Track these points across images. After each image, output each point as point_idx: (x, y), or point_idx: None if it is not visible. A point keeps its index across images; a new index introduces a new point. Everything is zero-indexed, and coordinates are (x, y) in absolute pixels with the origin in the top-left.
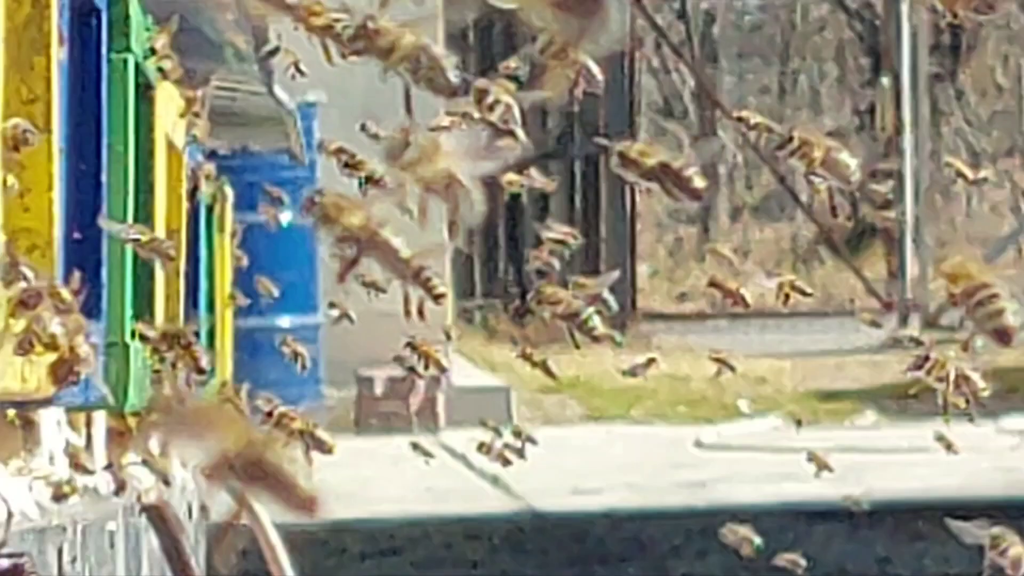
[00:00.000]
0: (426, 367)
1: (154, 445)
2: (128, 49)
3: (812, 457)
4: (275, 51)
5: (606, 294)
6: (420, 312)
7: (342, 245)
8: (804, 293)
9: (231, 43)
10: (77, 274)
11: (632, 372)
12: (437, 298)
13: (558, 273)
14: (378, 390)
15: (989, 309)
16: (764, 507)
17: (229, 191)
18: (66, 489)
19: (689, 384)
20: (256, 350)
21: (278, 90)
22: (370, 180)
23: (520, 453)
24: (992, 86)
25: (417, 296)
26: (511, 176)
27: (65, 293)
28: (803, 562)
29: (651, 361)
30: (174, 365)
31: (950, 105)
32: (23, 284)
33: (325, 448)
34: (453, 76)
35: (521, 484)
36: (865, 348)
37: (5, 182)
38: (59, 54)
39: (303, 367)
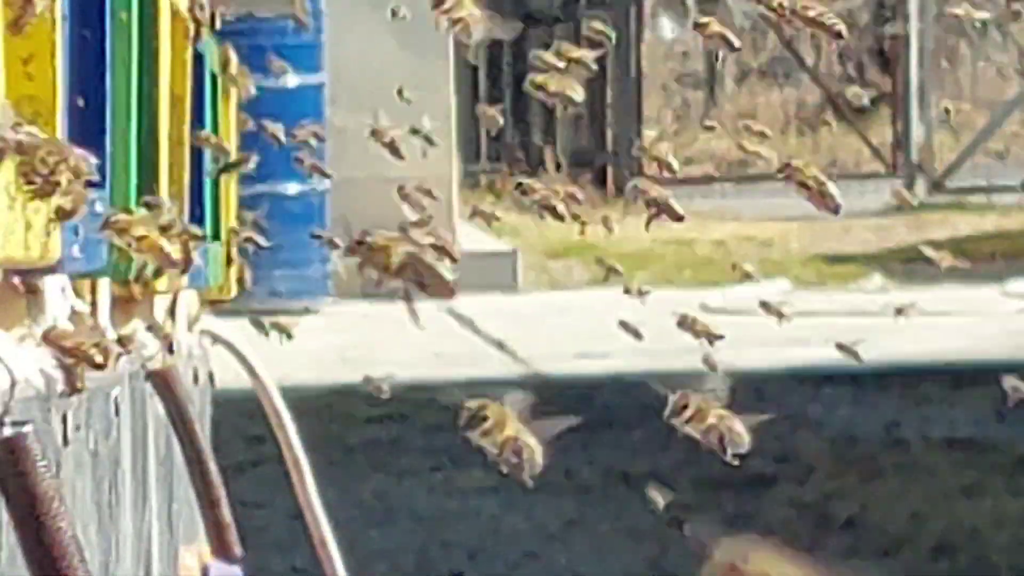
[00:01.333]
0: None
1: (159, 311)
2: None
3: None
4: None
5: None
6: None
7: None
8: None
9: None
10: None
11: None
12: None
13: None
14: None
15: None
16: (770, 371)
17: (234, 56)
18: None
19: (695, 248)
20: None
21: None
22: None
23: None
24: None
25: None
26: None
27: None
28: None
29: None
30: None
31: None
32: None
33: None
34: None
35: (527, 349)
36: (871, 212)
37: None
38: None
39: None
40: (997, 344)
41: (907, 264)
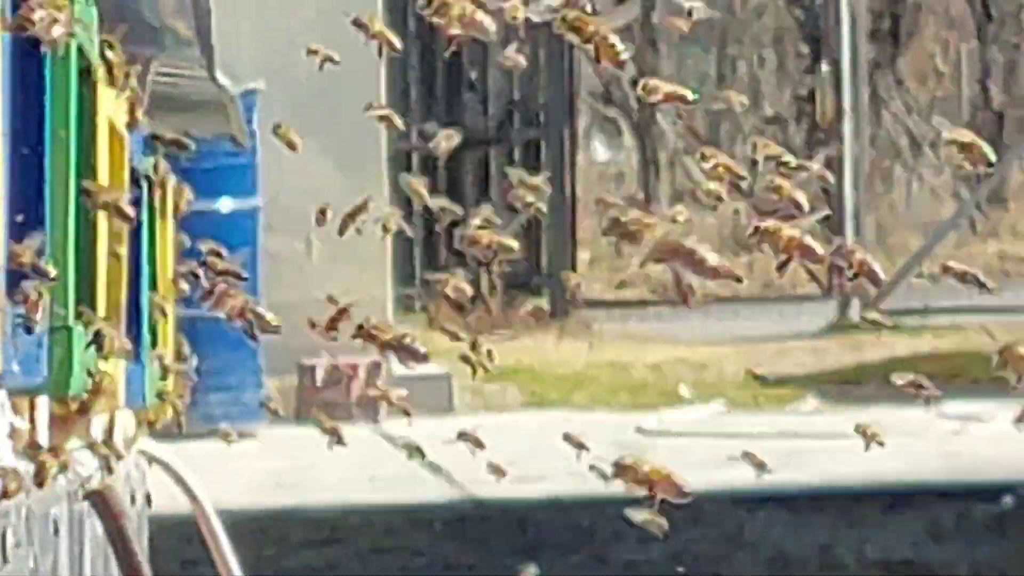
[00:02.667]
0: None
1: (97, 430)
2: (70, 33)
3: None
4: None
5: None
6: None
7: None
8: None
9: (172, 28)
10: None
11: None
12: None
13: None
14: (319, 379)
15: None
16: (706, 493)
17: (172, 176)
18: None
19: (630, 371)
20: (198, 338)
21: (219, 76)
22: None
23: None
24: (931, 72)
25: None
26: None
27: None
28: None
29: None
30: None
31: (889, 91)
32: None
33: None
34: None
35: (463, 472)
36: (806, 334)
37: None
38: (0, 38)
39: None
40: (932, 466)
41: (841, 386)
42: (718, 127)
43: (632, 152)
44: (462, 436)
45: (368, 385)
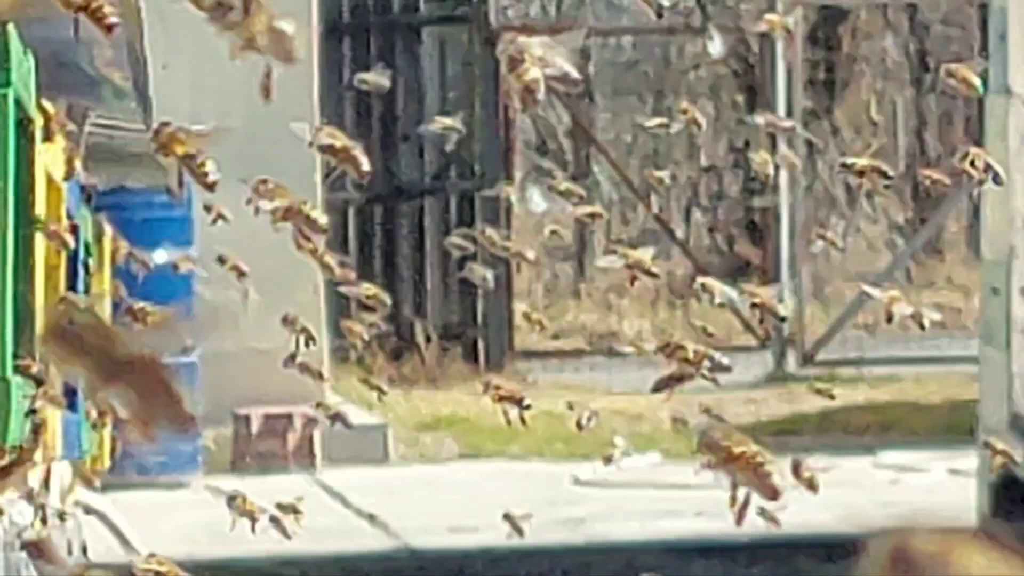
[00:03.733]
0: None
1: (34, 481)
2: (8, 84)
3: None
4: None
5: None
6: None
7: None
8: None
9: (109, 79)
10: None
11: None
12: None
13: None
14: (255, 428)
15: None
16: (642, 544)
17: (107, 227)
18: None
19: (566, 421)
20: None
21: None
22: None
23: None
24: (867, 122)
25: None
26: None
27: None
28: None
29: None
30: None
31: (825, 141)
32: None
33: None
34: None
35: (398, 522)
36: (744, 384)
37: None
38: None
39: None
40: (869, 515)
41: (778, 436)
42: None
43: (567, 203)
44: None
45: (303, 435)
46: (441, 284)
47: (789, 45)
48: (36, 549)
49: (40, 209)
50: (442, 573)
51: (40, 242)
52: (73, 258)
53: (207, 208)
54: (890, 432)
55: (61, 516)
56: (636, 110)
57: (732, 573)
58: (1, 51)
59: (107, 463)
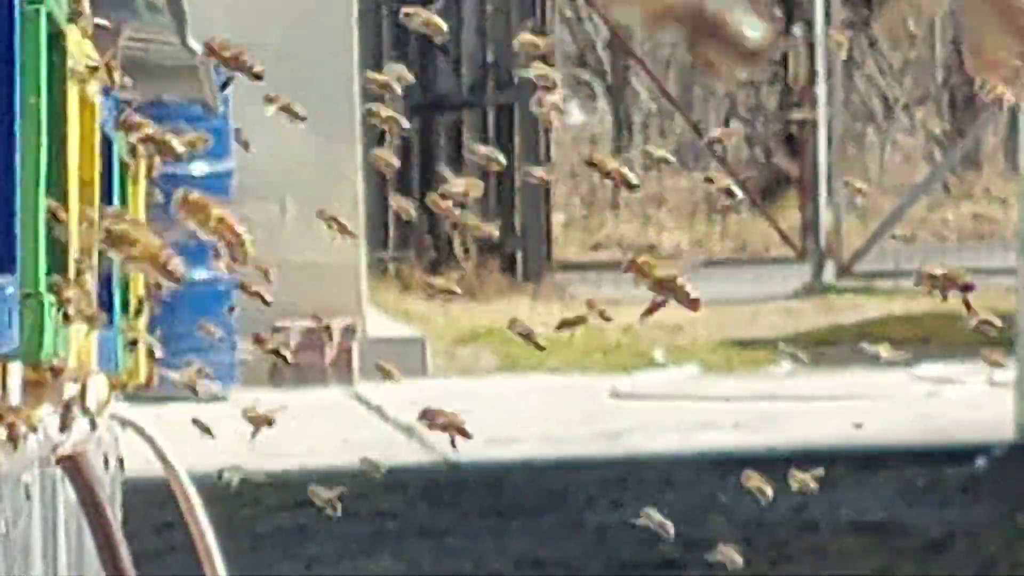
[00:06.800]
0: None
1: (69, 396)
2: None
3: None
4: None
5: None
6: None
7: None
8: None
9: None
10: None
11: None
12: None
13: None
14: (293, 342)
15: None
16: (679, 456)
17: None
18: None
19: (604, 333)
20: (170, 303)
21: (191, 40)
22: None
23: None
24: (904, 35)
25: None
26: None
27: None
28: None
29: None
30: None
31: (863, 54)
32: None
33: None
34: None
35: (436, 435)
36: (780, 296)
37: None
38: None
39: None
40: (906, 428)
41: (815, 348)
42: (691, 89)
43: (606, 115)
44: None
45: (341, 348)
46: (479, 197)
47: None
48: (72, 464)
49: (74, 126)
50: (480, 486)
51: (73, 156)
52: (107, 173)
53: (237, 134)
54: (928, 345)
55: (93, 425)
56: None
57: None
58: None
59: (143, 377)
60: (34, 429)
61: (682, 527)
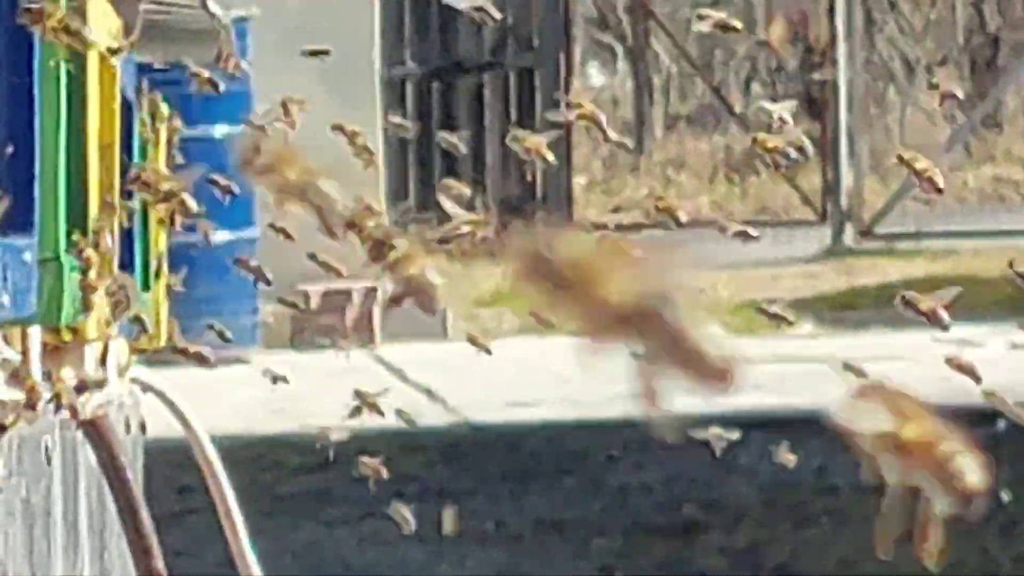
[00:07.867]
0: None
1: (90, 360)
2: None
3: None
4: None
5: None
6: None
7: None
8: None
9: None
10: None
11: None
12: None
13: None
14: (314, 304)
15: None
16: (700, 417)
17: (164, 105)
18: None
19: None
20: (191, 265)
21: (211, 4)
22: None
23: None
24: None
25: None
26: None
27: None
28: None
29: None
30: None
31: (884, 14)
32: None
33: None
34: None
35: (457, 397)
36: (801, 258)
37: None
38: None
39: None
40: (927, 389)
41: (837, 311)
42: (712, 51)
43: (627, 77)
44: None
45: (362, 311)
46: (500, 158)
47: None
48: (93, 427)
49: (93, 88)
50: (500, 448)
51: (93, 120)
52: (127, 136)
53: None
54: (949, 306)
55: (112, 388)
56: None
57: (791, 446)
58: None
59: (163, 341)
60: (59, 397)
61: (703, 488)
